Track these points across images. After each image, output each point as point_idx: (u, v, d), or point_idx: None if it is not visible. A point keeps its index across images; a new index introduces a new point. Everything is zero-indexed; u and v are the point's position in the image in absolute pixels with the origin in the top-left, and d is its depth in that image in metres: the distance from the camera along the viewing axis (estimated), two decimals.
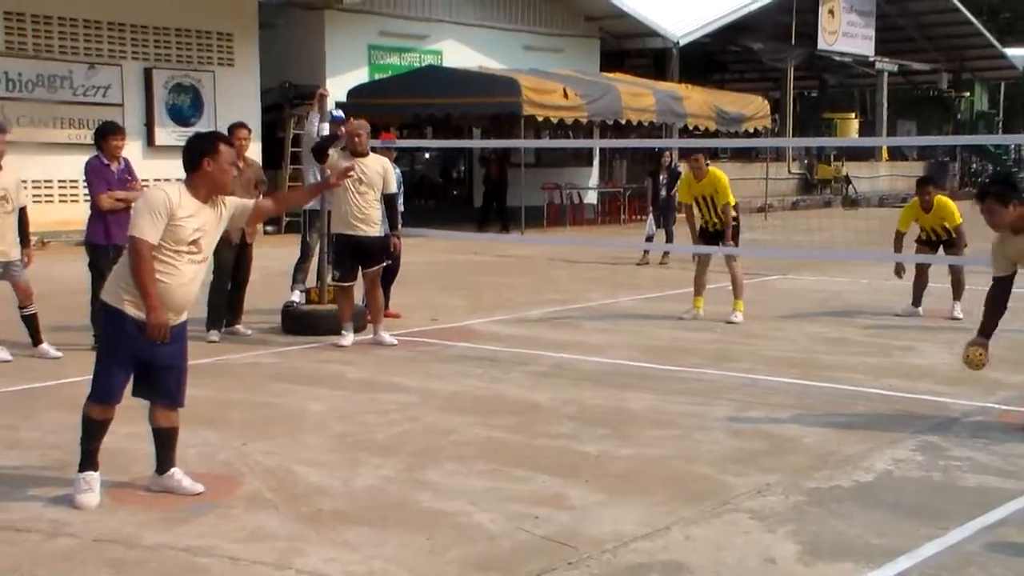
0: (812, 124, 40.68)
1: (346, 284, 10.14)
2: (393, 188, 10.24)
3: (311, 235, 12.01)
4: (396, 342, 10.13)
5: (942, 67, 44.29)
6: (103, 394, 5.49)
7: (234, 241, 10.36)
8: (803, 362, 9.44)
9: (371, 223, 10.03)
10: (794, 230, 23.63)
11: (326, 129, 11.19)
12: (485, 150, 25.16)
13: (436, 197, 30.27)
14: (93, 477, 5.50)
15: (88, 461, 5.52)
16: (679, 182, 13.24)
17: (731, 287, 11.85)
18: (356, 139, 10.07)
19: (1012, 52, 45.13)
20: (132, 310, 5.42)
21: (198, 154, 5.56)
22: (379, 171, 10.08)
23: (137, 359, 5.52)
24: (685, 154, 24.23)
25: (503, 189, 24.71)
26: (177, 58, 21.32)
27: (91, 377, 5.55)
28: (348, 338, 10.06)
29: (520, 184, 23.38)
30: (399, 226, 10.66)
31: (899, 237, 12.30)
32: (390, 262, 10.77)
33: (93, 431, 5.55)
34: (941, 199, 12.28)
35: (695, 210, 12.11)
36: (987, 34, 42.87)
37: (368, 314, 10.48)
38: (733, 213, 11.81)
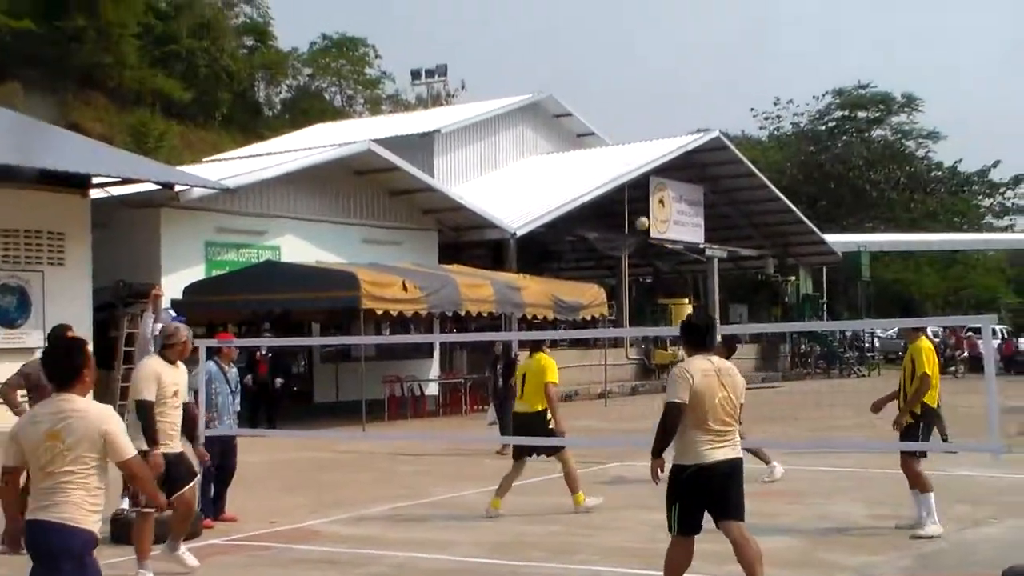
0: (648, 310, 41.61)
1: (148, 510, 8.78)
2: (185, 397, 9.44)
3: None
4: (197, 564, 9.19)
5: (768, 253, 46.05)
6: None
7: None
8: (644, 552, 9.39)
9: (178, 437, 9.24)
10: (631, 418, 23.87)
11: (159, 329, 10.94)
12: (258, 350, 23.66)
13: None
14: None
15: None
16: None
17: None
18: (180, 347, 9.38)
19: (831, 238, 47.34)
20: None
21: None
22: (186, 379, 9.54)
23: None
24: (525, 344, 24.45)
25: (273, 388, 23.83)
26: (3, 259, 20.81)
27: None
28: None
29: (360, 378, 23.15)
30: (200, 436, 10.00)
31: None
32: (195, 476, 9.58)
33: None
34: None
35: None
36: (807, 222, 44.96)
37: (174, 523, 9.23)
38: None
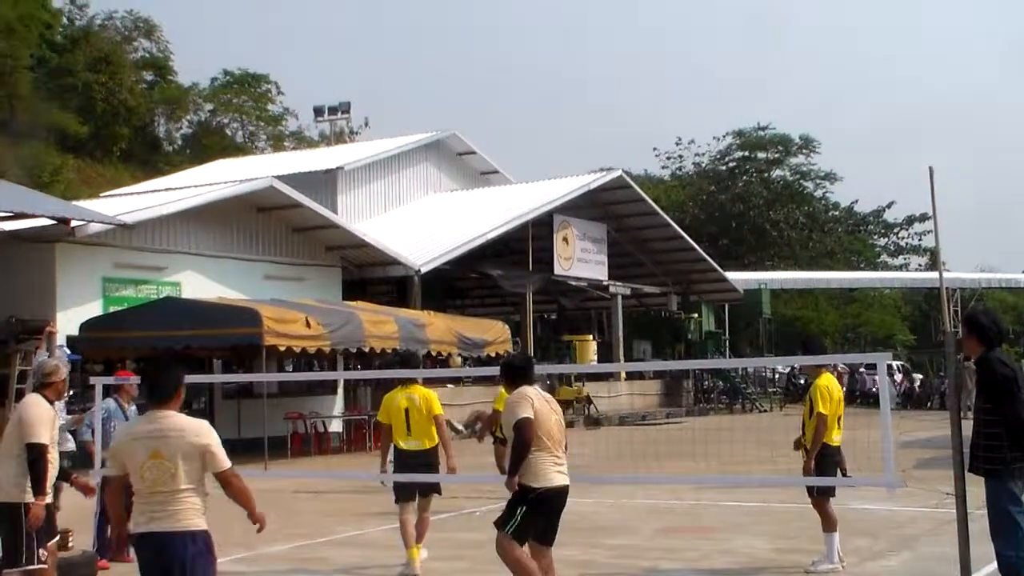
0: (552, 346, 41.75)
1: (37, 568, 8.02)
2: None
3: None
4: None
5: (671, 290, 46.57)
6: None
7: None
8: None
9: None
10: None
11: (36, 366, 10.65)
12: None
13: None
14: None
15: None
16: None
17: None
18: (60, 385, 8.61)
19: (733, 276, 48.06)
20: None
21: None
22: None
23: None
24: (429, 381, 24.27)
25: None
26: None
27: None
28: None
29: (263, 415, 22.82)
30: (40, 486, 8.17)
31: None
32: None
33: None
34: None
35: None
36: (709, 259, 45.59)
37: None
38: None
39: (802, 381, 45.30)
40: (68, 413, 13.29)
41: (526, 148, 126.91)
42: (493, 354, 28.31)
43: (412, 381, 11.14)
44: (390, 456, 11.03)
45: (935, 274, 38.99)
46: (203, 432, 6.09)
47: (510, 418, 7.74)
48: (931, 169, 17.19)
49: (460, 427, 10.79)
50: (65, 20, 60.38)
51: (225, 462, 6.09)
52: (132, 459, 6.04)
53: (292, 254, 29.18)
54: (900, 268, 71.27)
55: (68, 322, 22.23)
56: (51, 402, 8.46)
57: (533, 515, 7.69)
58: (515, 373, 8.13)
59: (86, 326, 22.86)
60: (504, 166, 46.84)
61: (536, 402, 7.74)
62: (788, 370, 47.74)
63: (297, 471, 21.82)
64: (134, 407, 11.66)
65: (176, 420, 6.09)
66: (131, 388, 11.67)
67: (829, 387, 10.15)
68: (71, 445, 12.59)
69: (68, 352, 12.32)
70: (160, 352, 23.95)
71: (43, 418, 8.20)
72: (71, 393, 16.21)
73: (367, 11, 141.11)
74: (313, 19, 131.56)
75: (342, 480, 19.05)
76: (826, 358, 11.85)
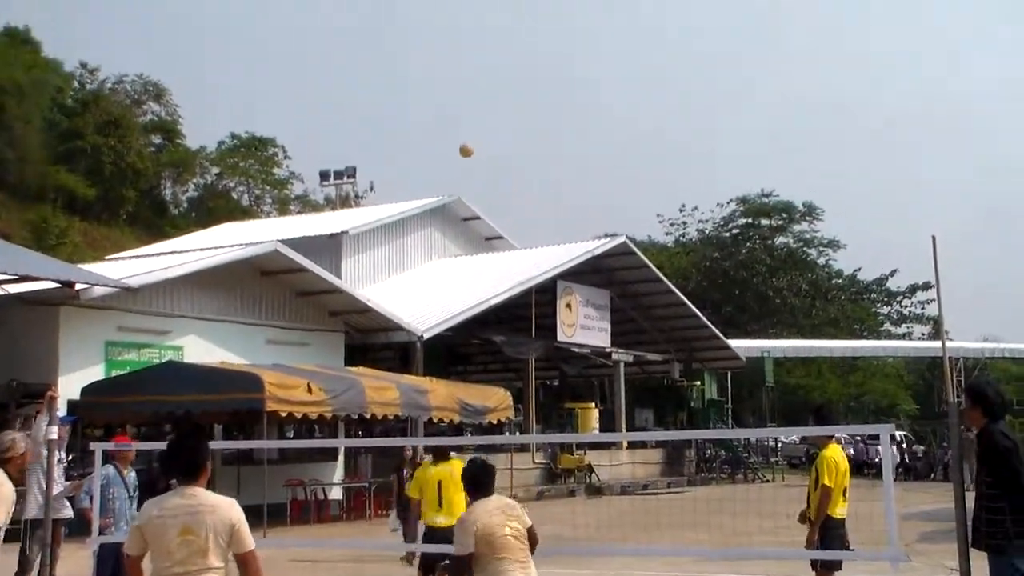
0: (554, 413, 41.59)
1: None
2: None
3: (31, 547, 11.22)
4: None
5: (674, 357, 46.45)
6: None
7: None
8: None
9: None
10: (537, 522, 23.66)
11: (54, 432, 10.64)
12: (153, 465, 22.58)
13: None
14: None
15: None
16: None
17: None
18: (19, 460, 8.24)
19: (735, 344, 47.98)
20: None
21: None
22: None
23: None
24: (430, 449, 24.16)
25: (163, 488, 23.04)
26: None
27: None
28: None
29: (262, 481, 22.69)
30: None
31: None
32: None
33: None
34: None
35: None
36: (712, 327, 45.50)
37: None
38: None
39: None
40: (67, 479, 13.23)
41: (530, 213, 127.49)
42: (495, 421, 28.21)
43: (447, 456, 11.39)
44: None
45: (938, 343, 38.94)
46: (234, 510, 6.00)
47: (455, 545, 7.77)
48: (934, 238, 17.20)
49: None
50: (76, 84, 61.03)
51: (250, 543, 5.97)
52: (160, 537, 5.86)
53: (295, 319, 29.19)
54: (903, 337, 71.18)
55: (70, 386, 22.15)
56: (11, 477, 7.88)
57: None
58: (473, 483, 8.04)
59: (87, 390, 22.80)
60: (509, 232, 47.05)
61: (481, 523, 7.62)
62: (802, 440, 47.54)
63: (296, 540, 21.63)
64: (132, 473, 11.61)
65: (207, 497, 6.00)
66: (129, 454, 11.63)
67: (836, 458, 10.13)
68: (68, 512, 12.54)
69: (63, 415, 12.31)
70: (162, 417, 23.98)
71: (3, 499, 7.60)
72: (70, 458, 16.19)
73: (374, 76, 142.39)
74: (320, 84, 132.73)
75: (340, 549, 18.88)
76: (829, 429, 11.79)
